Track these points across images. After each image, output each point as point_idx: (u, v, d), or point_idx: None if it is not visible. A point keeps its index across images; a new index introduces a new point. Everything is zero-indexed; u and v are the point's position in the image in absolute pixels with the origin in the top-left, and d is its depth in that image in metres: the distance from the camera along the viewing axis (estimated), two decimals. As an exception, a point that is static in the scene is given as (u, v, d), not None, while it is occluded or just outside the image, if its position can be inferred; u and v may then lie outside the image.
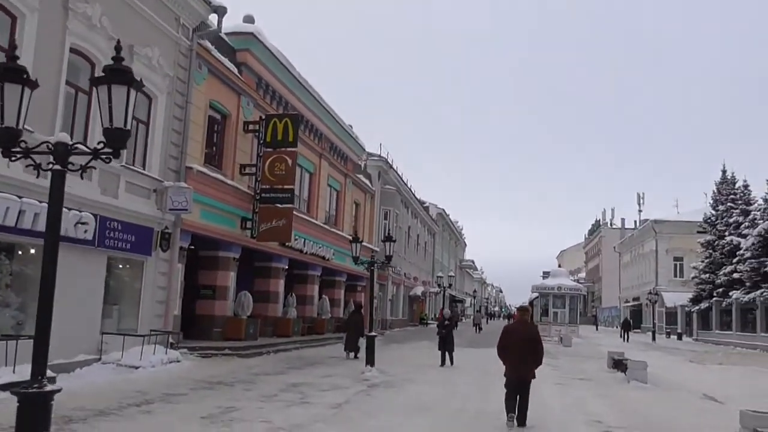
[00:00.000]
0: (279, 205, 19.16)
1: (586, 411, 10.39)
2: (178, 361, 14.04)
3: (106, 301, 13.53)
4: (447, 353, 17.43)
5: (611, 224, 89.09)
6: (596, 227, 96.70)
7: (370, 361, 14.53)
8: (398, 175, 40.84)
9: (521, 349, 8.74)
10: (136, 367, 12.61)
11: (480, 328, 46.01)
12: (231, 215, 18.43)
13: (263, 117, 19.69)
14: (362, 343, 17.44)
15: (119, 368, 12.54)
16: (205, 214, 16.97)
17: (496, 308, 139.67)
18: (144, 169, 14.53)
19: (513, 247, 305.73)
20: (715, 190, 45.08)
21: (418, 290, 48.92)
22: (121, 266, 14.25)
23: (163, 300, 15.13)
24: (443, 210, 62.63)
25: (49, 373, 5.08)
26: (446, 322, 18.09)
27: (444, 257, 66.45)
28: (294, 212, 20.56)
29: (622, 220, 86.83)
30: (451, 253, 75.21)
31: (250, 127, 19.57)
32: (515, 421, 8.60)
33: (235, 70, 18.77)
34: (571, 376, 15.99)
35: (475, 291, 78.44)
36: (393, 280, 41.10)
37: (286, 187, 18.95)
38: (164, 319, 15.08)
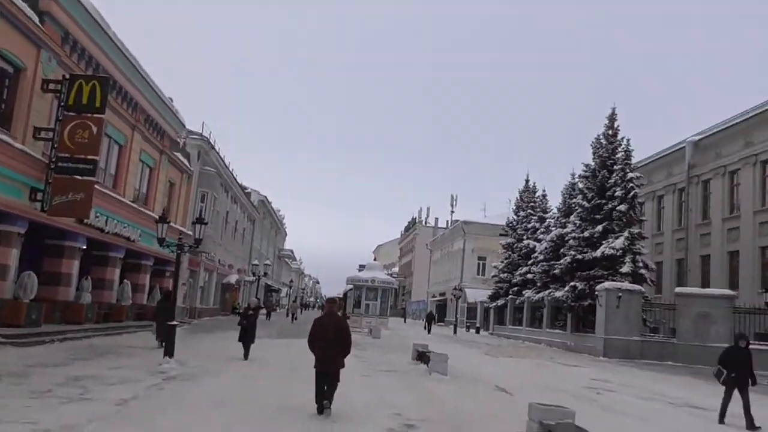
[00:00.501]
0: (78, 177, 17.13)
1: (388, 403, 10.44)
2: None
3: None
4: (246, 346, 16.08)
5: (426, 223, 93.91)
6: (412, 224, 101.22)
7: (168, 351, 13.47)
8: (220, 157, 39.14)
9: (330, 339, 8.98)
10: None
11: (295, 318, 46.84)
12: (16, 183, 16.11)
13: (67, 76, 17.50)
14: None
15: None
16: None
17: (312, 299, 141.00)
18: None
19: (333, 240, 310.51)
20: (518, 197, 49.18)
21: (233, 278, 47.43)
22: None
23: None
24: (265, 197, 61.43)
25: None
26: (250, 312, 16.63)
27: (263, 245, 65.22)
28: (97, 186, 18.57)
29: (436, 219, 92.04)
30: (271, 242, 74.12)
31: (51, 86, 17.31)
32: (324, 409, 8.87)
33: (36, 18, 16.45)
34: (377, 368, 16.21)
35: (291, 281, 78.09)
36: (206, 267, 39.35)
37: (88, 157, 17.01)
38: None
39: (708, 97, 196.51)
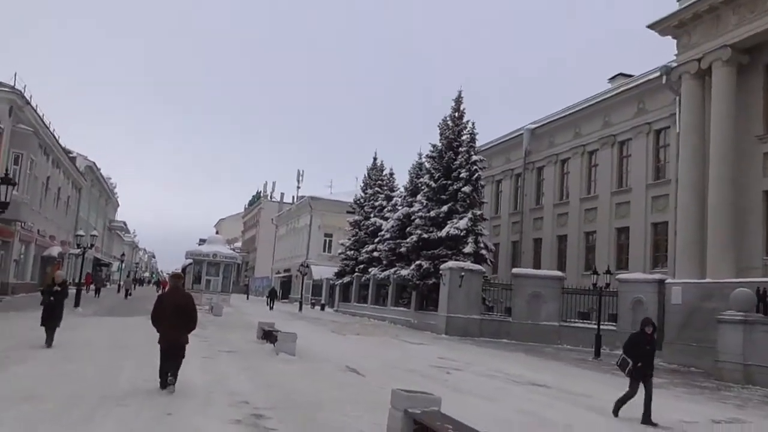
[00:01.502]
0: None
1: (233, 389, 9.38)
2: None
3: None
4: (50, 330, 13.00)
5: (271, 197, 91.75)
6: (257, 199, 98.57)
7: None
8: (38, 114, 34.65)
9: (174, 315, 8.84)
10: None
11: (129, 294, 44.39)
12: None
13: None
14: None
15: None
16: None
17: (146, 274, 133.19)
18: None
19: (172, 213, 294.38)
20: (366, 175, 49.15)
21: (54, 250, 42.70)
22: None
23: None
24: (93, 163, 56.11)
25: None
26: (56, 288, 13.28)
27: (90, 216, 59.68)
28: None
29: (282, 194, 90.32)
30: (100, 212, 68.19)
31: None
32: (168, 385, 8.71)
33: None
34: (220, 348, 14.97)
35: (123, 255, 72.58)
36: (21, 237, 34.86)
37: None
38: None
39: (548, 87, 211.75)
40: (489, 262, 32.08)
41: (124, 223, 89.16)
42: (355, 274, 43.01)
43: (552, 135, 34.63)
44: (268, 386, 10.04)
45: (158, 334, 8.96)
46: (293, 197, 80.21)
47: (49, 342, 12.90)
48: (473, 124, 32.94)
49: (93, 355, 12.23)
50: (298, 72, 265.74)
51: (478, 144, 33.61)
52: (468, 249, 29.94)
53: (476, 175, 31.91)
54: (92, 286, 42.58)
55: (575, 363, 19.46)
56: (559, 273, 29.26)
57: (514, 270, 30.57)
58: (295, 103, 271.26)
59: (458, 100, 33.46)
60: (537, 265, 33.41)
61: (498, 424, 8.19)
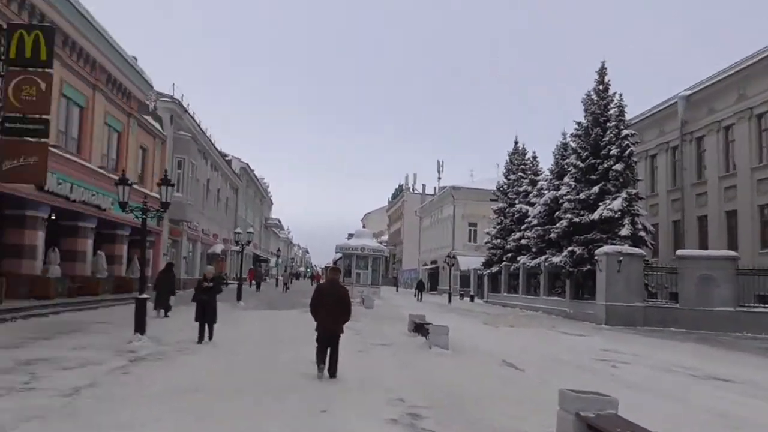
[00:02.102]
0: (30, 139, 15.31)
1: (386, 386, 9.07)
2: None
3: None
4: (207, 325, 13.00)
5: (413, 189, 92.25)
6: (399, 191, 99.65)
7: (139, 327, 11.99)
8: (194, 121, 37.20)
9: (332, 306, 9.41)
10: None
11: (287, 288, 46.20)
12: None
13: (4, 26, 15.55)
14: (173, 300, 18.86)
15: None
16: None
17: (302, 268, 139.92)
18: None
19: (321, 209, 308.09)
20: (508, 160, 47.59)
21: (218, 248, 45.85)
22: None
23: None
24: (247, 164, 59.58)
25: None
26: (206, 284, 13.16)
27: (248, 214, 63.56)
28: (56, 150, 16.89)
29: (423, 186, 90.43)
30: (256, 211, 72.45)
31: (-12, 38, 15.41)
32: (326, 372, 9.30)
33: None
34: (372, 341, 14.89)
35: (279, 250, 76.59)
36: (189, 236, 37.71)
37: (39, 116, 15.15)
38: None
39: (700, 49, 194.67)
40: (649, 245, 29.63)
41: (278, 221, 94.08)
42: (503, 263, 41.81)
43: (711, 100, 31.16)
44: (423, 382, 9.63)
45: (316, 323, 9.49)
46: (435, 188, 80.00)
47: (201, 338, 12.88)
48: (620, 96, 30.59)
49: (252, 349, 12.57)
50: (441, 60, 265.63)
51: (627, 117, 31.12)
52: (624, 231, 27.82)
53: (628, 151, 29.56)
54: (253, 282, 45.45)
55: (761, 353, 17.24)
56: (731, 253, 26.22)
57: (679, 252, 27.86)
58: (435, 94, 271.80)
59: (602, 72, 31.18)
60: (703, 246, 30.29)
61: (692, 430, 7.12)
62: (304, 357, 10.37)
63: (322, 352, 9.35)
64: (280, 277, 58.41)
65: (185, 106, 34.38)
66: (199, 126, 38.14)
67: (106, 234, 25.21)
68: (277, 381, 8.99)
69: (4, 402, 6.96)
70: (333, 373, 9.29)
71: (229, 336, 14.15)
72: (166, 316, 18.19)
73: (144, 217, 13.56)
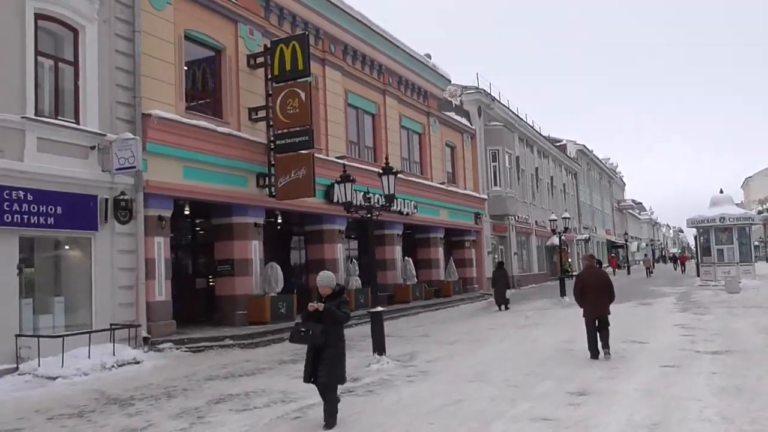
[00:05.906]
0: (303, 152, 15.24)
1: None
2: (137, 362, 10.89)
3: (42, 291, 10.79)
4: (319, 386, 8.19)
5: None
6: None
7: (378, 348, 10.27)
8: (509, 109, 35.18)
9: (595, 291, 9.86)
10: (54, 378, 9.62)
11: (651, 272, 44.52)
12: (238, 172, 14.88)
13: (268, 45, 15.81)
14: (510, 294, 21.23)
15: (34, 380, 9.65)
16: (192, 172, 13.59)
17: (675, 250, 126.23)
18: (76, 121, 11.42)
19: (694, 185, 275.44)
20: None
21: (556, 239, 42.91)
22: (56, 247, 11.36)
23: (131, 284, 12.06)
24: (584, 146, 55.19)
25: None
26: (313, 307, 6.28)
27: (593, 199, 58.99)
28: (354, 163, 17.05)
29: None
30: (605, 194, 67.05)
31: (257, 60, 15.84)
32: (600, 350, 9.65)
33: (224, -11, 15.01)
34: (705, 346, 10.63)
35: (627, 235, 69.05)
36: (518, 230, 35.79)
37: (302, 127, 14.96)
38: (135, 308, 12.04)
39: None
40: None
41: (634, 202, 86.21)
42: None
43: None
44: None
45: (582, 309, 9.97)
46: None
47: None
48: None
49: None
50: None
51: None
52: None
53: None
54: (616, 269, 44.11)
55: None
56: None
57: None
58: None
59: None
60: None
61: None
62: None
63: (592, 336, 9.72)
64: (642, 262, 53.88)
65: (494, 95, 32.72)
66: (515, 112, 36.10)
67: (418, 238, 25.17)
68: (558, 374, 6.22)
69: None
70: (606, 349, 9.63)
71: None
72: (506, 308, 20.44)
73: (369, 215, 11.74)
